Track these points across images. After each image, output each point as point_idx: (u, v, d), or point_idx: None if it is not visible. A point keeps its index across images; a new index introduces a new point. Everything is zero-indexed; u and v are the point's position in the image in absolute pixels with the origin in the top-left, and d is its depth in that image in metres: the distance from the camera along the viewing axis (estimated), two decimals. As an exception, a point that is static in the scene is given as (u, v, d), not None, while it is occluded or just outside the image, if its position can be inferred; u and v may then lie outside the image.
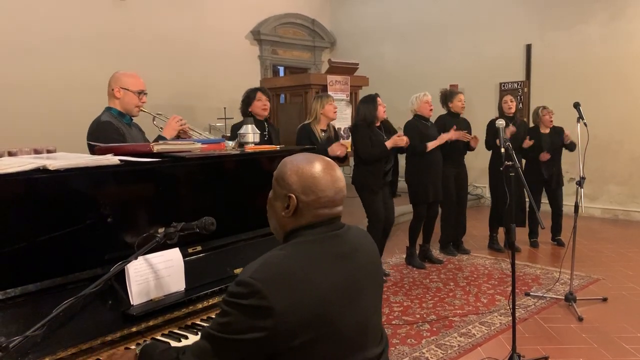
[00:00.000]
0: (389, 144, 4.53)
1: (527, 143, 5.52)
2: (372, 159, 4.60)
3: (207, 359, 1.26)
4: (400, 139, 4.53)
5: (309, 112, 4.73)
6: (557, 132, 5.64)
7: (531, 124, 5.82)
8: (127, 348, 1.64)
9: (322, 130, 4.63)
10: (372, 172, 4.63)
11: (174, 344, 1.70)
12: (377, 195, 4.65)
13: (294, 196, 1.35)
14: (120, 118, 2.90)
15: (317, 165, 1.37)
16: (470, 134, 5.43)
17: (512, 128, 5.30)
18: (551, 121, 5.63)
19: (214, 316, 1.90)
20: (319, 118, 4.59)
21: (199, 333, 1.77)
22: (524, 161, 5.66)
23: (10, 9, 6.54)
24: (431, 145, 4.94)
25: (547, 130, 5.67)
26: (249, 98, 4.52)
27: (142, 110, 2.96)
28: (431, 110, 5.07)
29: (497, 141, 3.64)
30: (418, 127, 4.97)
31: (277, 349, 1.21)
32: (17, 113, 6.36)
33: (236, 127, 4.45)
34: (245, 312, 1.21)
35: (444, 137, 4.98)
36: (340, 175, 1.41)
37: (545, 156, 5.55)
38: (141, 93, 2.92)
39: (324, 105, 4.58)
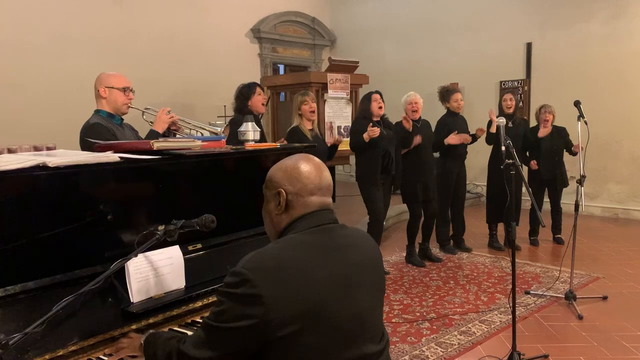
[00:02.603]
0: (365, 136, 4.51)
1: (533, 164, 5.55)
2: (354, 148, 4.74)
3: (203, 348, 1.30)
4: (372, 131, 4.47)
5: (293, 113, 4.61)
6: (559, 132, 5.61)
7: (535, 123, 5.79)
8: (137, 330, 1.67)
9: (310, 130, 4.58)
10: (368, 165, 4.69)
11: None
12: (377, 189, 4.68)
13: (282, 190, 1.41)
14: (109, 119, 2.90)
15: (299, 160, 1.46)
16: (468, 133, 5.42)
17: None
18: (546, 120, 5.58)
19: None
20: (301, 117, 4.53)
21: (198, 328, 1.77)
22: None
23: (10, 8, 6.53)
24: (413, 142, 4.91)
25: (548, 130, 5.64)
26: (247, 93, 4.45)
27: (130, 106, 2.96)
28: (414, 112, 5.00)
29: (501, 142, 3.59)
30: (401, 127, 4.95)
31: (268, 338, 1.24)
32: (17, 111, 6.36)
33: (234, 122, 4.41)
34: (236, 301, 1.25)
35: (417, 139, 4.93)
36: (323, 166, 1.48)
37: (533, 165, 5.56)
38: (127, 90, 2.92)
39: (300, 105, 4.53)
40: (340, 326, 1.30)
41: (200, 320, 1.85)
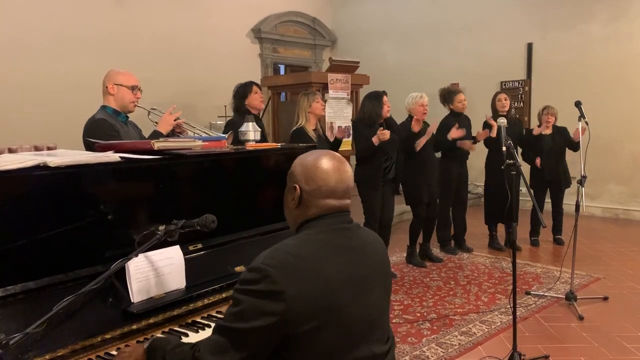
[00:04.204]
0: (374, 139, 4.40)
1: (538, 162, 5.44)
2: (362, 154, 4.61)
3: (222, 353, 1.25)
4: (382, 134, 4.37)
5: (298, 113, 4.53)
6: (561, 132, 5.60)
7: (538, 123, 5.77)
8: (138, 341, 1.65)
9: (313, 130, 4.55)
10: (370, 168, 4.61)
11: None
12: (376, 191, 4.63)
13: (297, 186, 1.41)
14: (115, 116, 2.92)
15: (321, 157, 1.43)
16: (471, 132, 5.42)
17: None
18: (548, 121, 5.58)
19: (214, 314, 1.90)
20: (309, 118, 4.48)
21: (199, 331, 1.77)
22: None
23: (11, 8, 6.53)
24: (420, 143, 4.83)
25: (549, 131, 5.63)
26: (244, 92, 4.44)
27: (137, 105, 2.97)
28: (424, 114, 4.97)
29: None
30: (409, 128, 4.91)
31: (287, 334, 1.24)
32: (17, 111, 6.35)
33: (231, 124, 4.40)
34: (257, 297, 1.24)
35: (429, 131, 4.89)
36: (346, 168, 1.44)
37: (538, 162, 5.52)
38: (135, 88, 2.94)
39: (311, 103, 4.48)
40: (353, 325, 1.31)
41: (202, 321, 1.85)
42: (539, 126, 5.58)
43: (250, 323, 1.23)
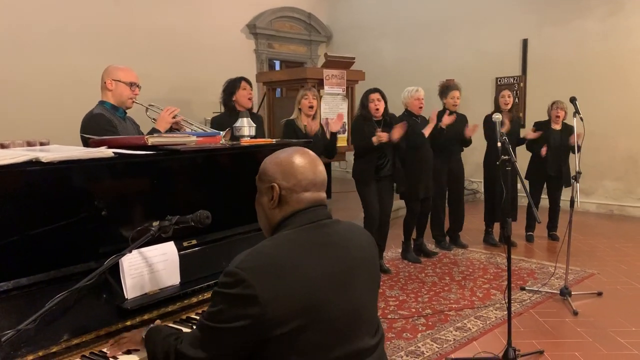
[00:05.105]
0: (374, 139, 4.45)
1: (532, 135, 5.45)
2: (359, 151, 4.67)
3: (200, 348, 1.29)
4: (383, 135, 4.43)
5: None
6: (569, 130, 5.57)
7: (546, 117, 5.75)
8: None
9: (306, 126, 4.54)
10: (364, 164, 4.66)
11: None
12: (369, 187, 4.66)
13: (276, 185, 1.39)
14: (113, 111, 2.91)
15: (293, 153, 1.43)
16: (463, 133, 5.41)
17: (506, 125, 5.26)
18: (558, 117, 5.56)
19: (209, 309, 1.90)
20: (300, 112, 4.51)
21: (194, 327, 1.76)
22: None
23: (7, 2, 6.48)
24: (427, 131, 4.82)
25: (559, 127, 5.59)
26: (232, 87, 4.39)
27: (135, 102, 2.96)
28: (421, 108, 4.98)
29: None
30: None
31: (265, 337, 1.24)
32: (12, 106, 6.31)
33: (216, 120, 4.36)
34: (231, 301, 1.25)
35: (433, 119, 4.86)
36: (318, 160, 1.45)
37: (543, 151, 5.51)
38: (133, 85, 2.93)
39: (300, 99, 4.51)
40: (337, 322, 1.30)
41: (196, 317, 1.85)
42: (534, 131, 5.55)
43: (225, 324, 1.25)
